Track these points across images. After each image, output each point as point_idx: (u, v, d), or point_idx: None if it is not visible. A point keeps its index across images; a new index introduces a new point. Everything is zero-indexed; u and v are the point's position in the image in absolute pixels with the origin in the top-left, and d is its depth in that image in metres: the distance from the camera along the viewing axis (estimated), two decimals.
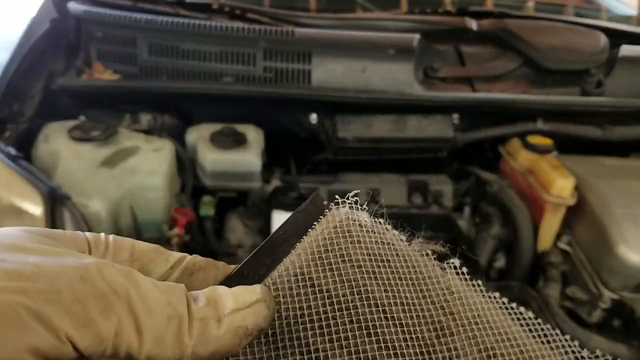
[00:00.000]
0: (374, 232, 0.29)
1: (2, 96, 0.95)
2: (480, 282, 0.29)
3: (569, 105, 1.10)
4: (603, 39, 1.19)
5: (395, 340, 0.25)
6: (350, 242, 0.28)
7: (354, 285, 0.26)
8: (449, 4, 1.38)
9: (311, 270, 0.27)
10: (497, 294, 0.29)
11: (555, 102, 1.10)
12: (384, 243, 0.29)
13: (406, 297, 0.27)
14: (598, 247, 0.91)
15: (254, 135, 1.02)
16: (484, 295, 0.29)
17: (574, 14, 1.44)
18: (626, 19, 1.50)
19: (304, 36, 1.07)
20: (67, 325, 0.18)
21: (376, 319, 0.26)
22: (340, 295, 0.26)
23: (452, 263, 0.29)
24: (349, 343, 0.25)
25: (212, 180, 0.98)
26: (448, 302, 0.28)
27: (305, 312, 0.26)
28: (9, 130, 0.94)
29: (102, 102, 1.05)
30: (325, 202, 0.30)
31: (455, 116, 1.09)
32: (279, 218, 0.91)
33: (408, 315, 0.27)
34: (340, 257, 0.27)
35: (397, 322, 0.26)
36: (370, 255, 0.28)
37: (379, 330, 0.25)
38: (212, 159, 0.96)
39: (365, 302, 0.26)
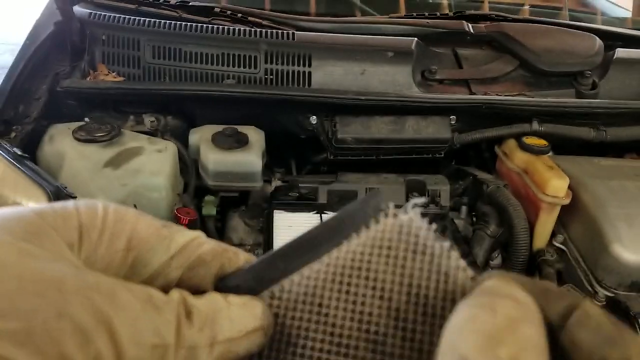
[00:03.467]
0: (427, 256, 0.22)
1: (7, 98, 0.96)
2: None
3: (564, 106, 1.12)
4: (598, 42, 1.21)
5: None
6: (386, 265, 0.22)
7: (369, 326, 0.21)
8: (447, 8, 1.40)
9: (325, 292, 0.22)
10: None
11: (551, 104, 1.12)
12: (435, 272, 0.22)
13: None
14: (592, 245, 0.93)
15: (255, 136, 1.04)
16: None
17: (569, 17, 1.46)
18: (621, 22, 1.52)
19: (305, 39, 1.09)
20: None
21: None
22: (347, 334, 0.21)
23: None
24: None
25: (214, 180, 0.99)
26: None
27: (300, 340, 0.22)
28: (14, 131, 0.95)
29: (106, 103, 1.07)
30: (380, 206, 0.23)
31: (453, 117, 1.11)
32: (279, 217, 0.93)
33: None
34: (368, 284, 0.22)
35: None
36: (409, 288, 0.22)
37: None
38: (214, 159, 0.98)
39: (372, 352, 0.21)
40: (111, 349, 0.18)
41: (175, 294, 0.21)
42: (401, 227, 0.22)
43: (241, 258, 0.24)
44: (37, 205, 0.21)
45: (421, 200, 0.23)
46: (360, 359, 0.21)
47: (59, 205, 0.22)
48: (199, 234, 0.24)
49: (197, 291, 0.23)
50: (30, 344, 0.17)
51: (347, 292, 0.22)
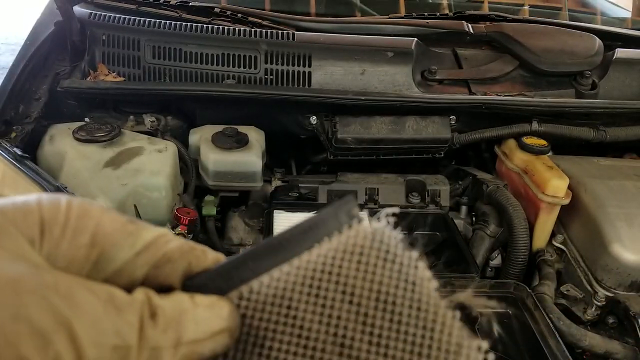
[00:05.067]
0: (397, 264, 0.23)
1: (8, 98, 0.97)
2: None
3: (563, 107, 1.12)
4: (597, 42, 1.21)
5: None
6: (357, 270, 0.22)
7: (336, 330, 0.21)
8: (446, 8, 1.40)
9: (295, 294, 0.22)
10: None
11: (550, 104, 1.12)
12: (404, 281, 0.22)
13: None
14: (592, 245, 0.93)
15: (255, 136, 1.04)
16: None
17: (569, 17, 1.46)
18: (620, 22, 1.52)
19: (305, 39, 1.09)
20: None
21: None
22: (314, 337, 0.21)
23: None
24: None
25: (214, 180, 0.99)
26: None
27: (267, 342, 0.22)
28: (15, 131, 0.95)
29: (106, 103, 1.07)
30: (353, 212, 0.23)
31: (452, 118, 1.11)
32: (279, 217, 0.93)
33: None
34: (337, 288, 0.22)
35: None
36: (377, 294, 0.22)
37: None
38: (215, 159, 0.98)
39: (339, 355, 0.21)
40: (71, 351, 0.18)
41: (140, 293, 0.21)
42: (373, 235, 0.23)
43: (209, 257, 0.24)
44: None
45: (394, 210, 0.24)
46: None
47: (20, 199, 0.21)
48: (165, 231, 0.23)
49: (164, 289, 0.22)
50: None
51: (317, 296, 0.22)
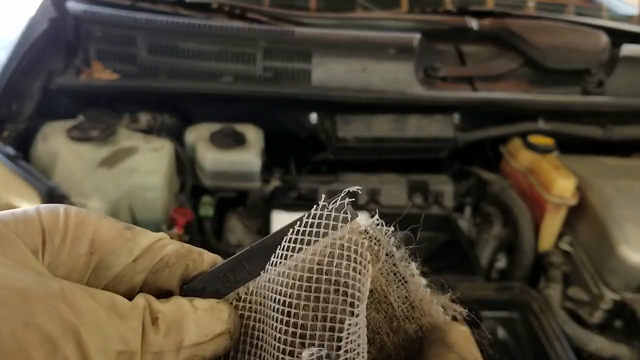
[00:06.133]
0: (389, 262, 0.24)
1: (0, 95, 0.95)
2: None
3: (570, 105, 1.10)
4: (604, 39, 1.18)
5: None
6: (353, 270, 0.22)
7: (333, 324, 0.22)
8: (450, 4, 1.38)
9: (294, 292, 0.22)
10: None
11: (556, 102, 1.10)
12: (393, 277, 0.23)
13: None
14: (599, 247, 0.91)
15: (254, 135, 1.02)
16: None
17: (575, 14, 1.43)
18: (627, 19, 1.50)
19: (304, 36, 1.07)
20: None
21: None
22: (311, 333, 0.22)
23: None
24: None
25: (211, 180, 0.98)
26: None
27: (268, 340, 0.22)
28: (7, 129, 0.93)
29: (101, 101, 1.05)
30: (346, 209, 0.23)
31: (456, 116, 1.09)
32: (278, 218, 0.91)
33: None
34: (334, 285, 0.22)
35: None
36: (371, 292, 0.23)
37: None
38: (212, 158, 0.96)
39: (337, 350, 0.21)
40: (78, 357, 0.19)
41: (140, 300, 0.21)
42: (365, 232, 0.23)
43: (205, 259, 0.24)
44: None
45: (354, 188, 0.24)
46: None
47: (20, 211, 0.22)
48: (162, 236, 0.24)
49: (163, 294, 0.23)
50: None
51: (312, 291, 0.22)
